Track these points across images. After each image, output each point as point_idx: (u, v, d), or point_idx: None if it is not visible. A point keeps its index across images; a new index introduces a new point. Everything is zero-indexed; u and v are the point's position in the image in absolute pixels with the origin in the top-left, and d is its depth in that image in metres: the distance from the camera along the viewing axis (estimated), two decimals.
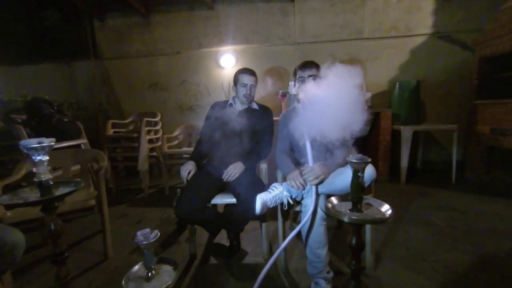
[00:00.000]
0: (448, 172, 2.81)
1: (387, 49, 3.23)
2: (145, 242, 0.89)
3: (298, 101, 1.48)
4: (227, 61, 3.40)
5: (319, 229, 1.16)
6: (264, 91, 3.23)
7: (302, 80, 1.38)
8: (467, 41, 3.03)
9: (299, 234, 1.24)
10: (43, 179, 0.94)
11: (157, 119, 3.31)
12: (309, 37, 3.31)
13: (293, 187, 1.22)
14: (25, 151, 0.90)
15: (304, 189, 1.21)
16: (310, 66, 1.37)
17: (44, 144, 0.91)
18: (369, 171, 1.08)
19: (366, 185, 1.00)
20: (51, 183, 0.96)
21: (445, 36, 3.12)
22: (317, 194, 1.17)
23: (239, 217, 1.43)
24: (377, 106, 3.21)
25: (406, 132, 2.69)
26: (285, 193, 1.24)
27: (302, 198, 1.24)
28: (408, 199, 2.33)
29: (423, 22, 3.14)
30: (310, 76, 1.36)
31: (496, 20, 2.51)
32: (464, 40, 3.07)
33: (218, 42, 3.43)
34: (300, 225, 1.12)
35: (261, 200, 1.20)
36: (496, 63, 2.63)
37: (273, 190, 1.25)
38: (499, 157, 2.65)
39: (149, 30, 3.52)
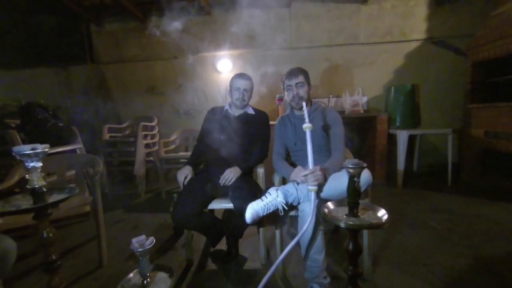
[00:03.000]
0: (444, 175, 2.83)
1: (382, 54, 3.28)
2: (140, 249, 0.88)
3: (292, 108, 1.49)
4: (224, 65, 3.41)
5: (316, 234, 1.16)
6: (260, 96, 3.25)
7: (290, 89, 1.39)
8: (460, 46, 3.09)
9: None
10: (36, 186, 0.92)
11: (153, 123, 3.30)
12: (305, 42, 3.35)
13: (299, 183, 1.20)
14: (18, 157, 0.89)
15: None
16: (296, 74, 1.38)
17: (38, 151, 0.90)
18: (365, 176, 1.09)
19: (362, 190, 1.00)
20: (44, 190, 0.95)
21: (439, 41, 3.18)
22: (315, 202, 1.15)
23: (236, 222, 1.42)
24: (373, 110, 3.24)
25: (402, 136, 2.71)
26: (279, 199, 1.21)
27: (299, 203, 1.24)
28: (405, 203, 2.34)
29: (417, 28, 3.20)
30: (297, 83, 1.36)
31: (487, 26, 2.57)
32: (457, 45, 3.13)
33: (215, 47, 3.45)
34: (300, 235, 1.10)
35: (252, 210, 1.18)
36: (489, 67, 2.68)
37: (266, 197, 1.22)
38: (493, 160, 2.68)
39: (146, 34, 3.52)
